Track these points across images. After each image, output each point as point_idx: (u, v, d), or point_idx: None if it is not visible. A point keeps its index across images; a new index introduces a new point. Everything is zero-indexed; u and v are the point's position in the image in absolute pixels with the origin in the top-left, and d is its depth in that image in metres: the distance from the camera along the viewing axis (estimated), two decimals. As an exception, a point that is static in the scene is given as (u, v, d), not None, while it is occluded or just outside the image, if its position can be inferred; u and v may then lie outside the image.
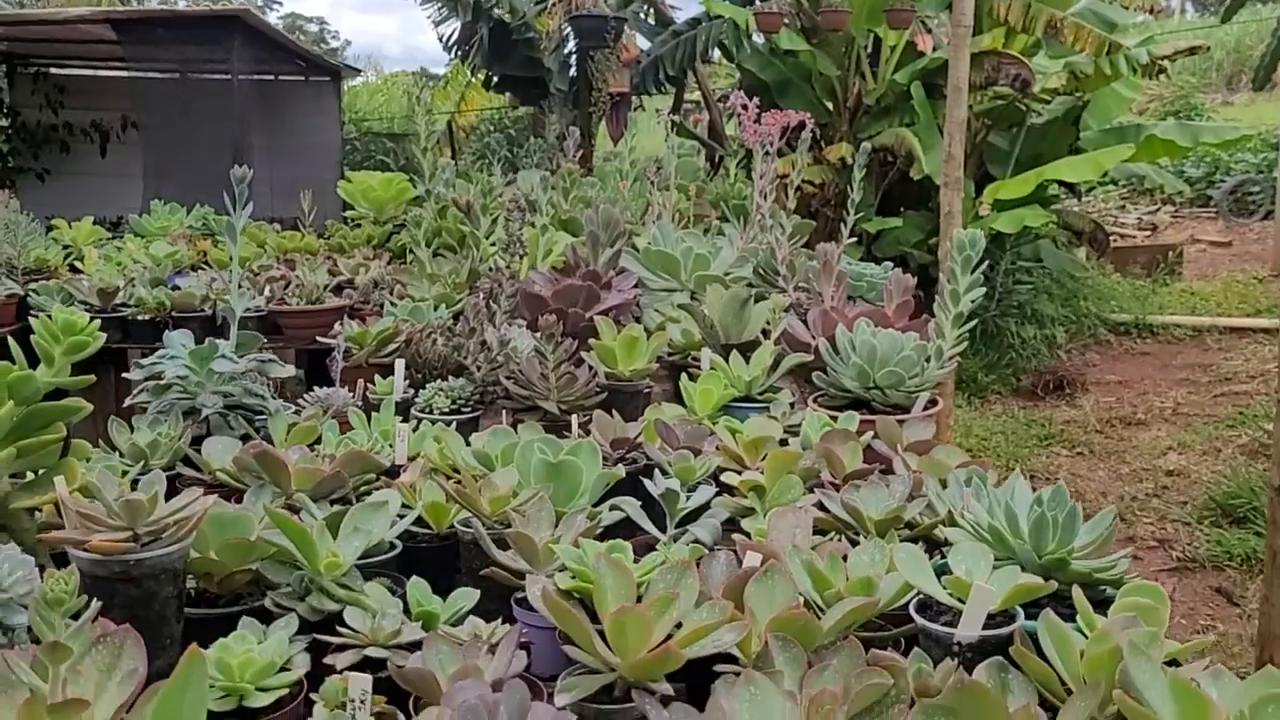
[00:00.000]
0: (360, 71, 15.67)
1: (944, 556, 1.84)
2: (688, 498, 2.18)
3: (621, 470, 2.28)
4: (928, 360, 2.99)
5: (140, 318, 4.65)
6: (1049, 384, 8.01)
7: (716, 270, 4.09)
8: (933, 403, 3.03)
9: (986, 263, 8.79)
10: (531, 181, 6.16)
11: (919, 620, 1.59)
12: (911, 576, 1.62)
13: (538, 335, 2.94)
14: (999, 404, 7.85)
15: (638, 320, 3.92)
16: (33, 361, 1.81)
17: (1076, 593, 1.62)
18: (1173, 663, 1.53)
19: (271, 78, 9.49)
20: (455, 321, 3.46)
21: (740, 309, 3.52)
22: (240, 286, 5.08)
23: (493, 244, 4.62)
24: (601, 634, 1.47)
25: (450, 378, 3.11)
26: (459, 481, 2.17)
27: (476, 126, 14.03)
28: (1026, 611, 1.67)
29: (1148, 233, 14.09)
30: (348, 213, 6.38)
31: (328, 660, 1.60)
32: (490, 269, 3.48)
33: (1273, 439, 3.70)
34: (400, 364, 3.13)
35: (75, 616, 1.30)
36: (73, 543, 1.54)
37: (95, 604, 1.38)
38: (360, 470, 2.26)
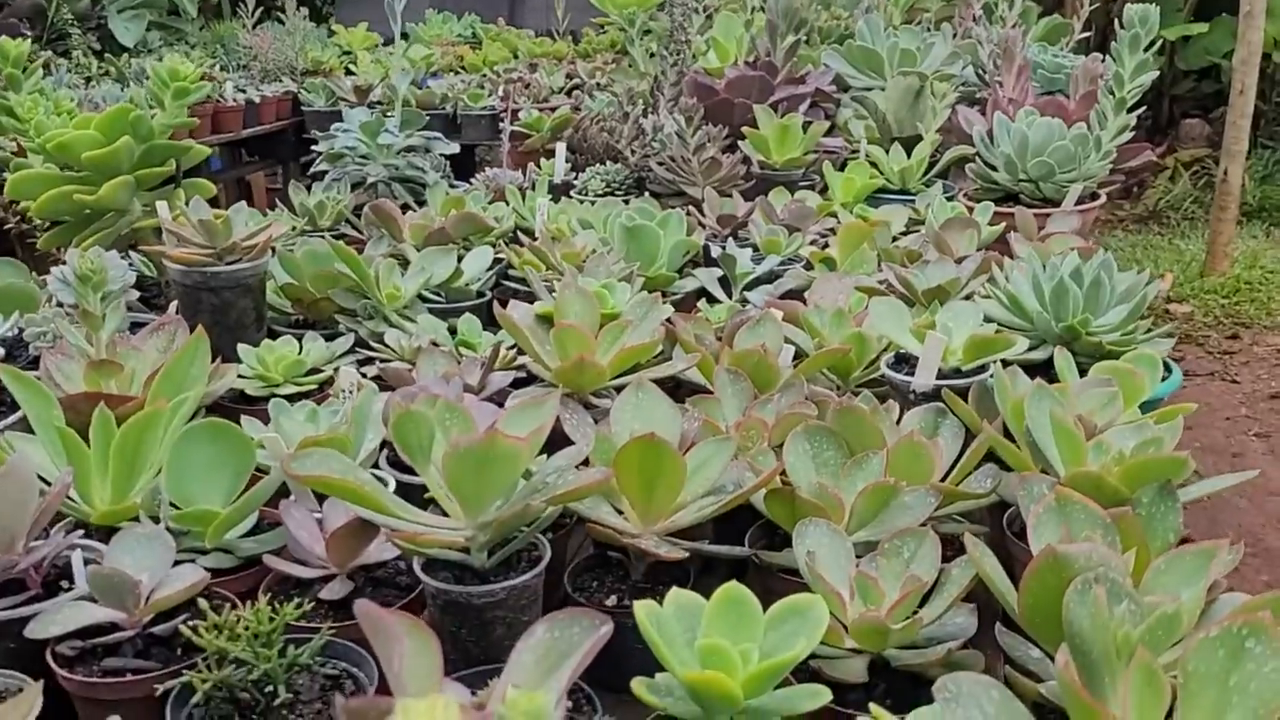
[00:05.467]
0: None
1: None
2: (754, 266, 2.23)
3: (700, 239, 2.36)
4: (1089, 153, 2.79)
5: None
6: (1373, 216, 7.04)
7: (926, 68, 3.92)
8: (1093, 197, 2.85)
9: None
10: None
11: (885, 372, 1.61)
12: (883, 326, 1.63)
13: (678, 117, 3.00)
14: (1306, 235, 7.01)
15: (829, 118, 3.86)
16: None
17: (1057, 354, 1.57)
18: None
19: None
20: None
21: (914, 101, 3.40)
22: (481, 86, 5.38)
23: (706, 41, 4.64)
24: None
25: (609, 163, 3.25)
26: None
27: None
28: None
29: None
30: (596, 19, 6.53)
31: (364, 369, 1.84)
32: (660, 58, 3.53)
33: None
34: (561, 147, 3.29)
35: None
36: (162, 254, 1.85)
37: (174, 305, 1.70)
38: (469, 230, 2.47)
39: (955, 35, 4.25)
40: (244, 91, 5.35)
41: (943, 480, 1.35)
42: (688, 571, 1.27)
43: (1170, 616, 0.85)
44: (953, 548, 1.37)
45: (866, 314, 1.82)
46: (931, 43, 4.14)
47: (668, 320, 1.76)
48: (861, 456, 1.30)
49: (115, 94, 4.59)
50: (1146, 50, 2.66)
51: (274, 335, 2.06)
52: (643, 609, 0.94)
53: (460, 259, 2.30)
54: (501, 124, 3.41)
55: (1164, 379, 1.77)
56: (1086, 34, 4.12)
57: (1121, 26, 2.65)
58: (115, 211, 2.00)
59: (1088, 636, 0.88)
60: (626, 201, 2.88)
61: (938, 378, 1.58)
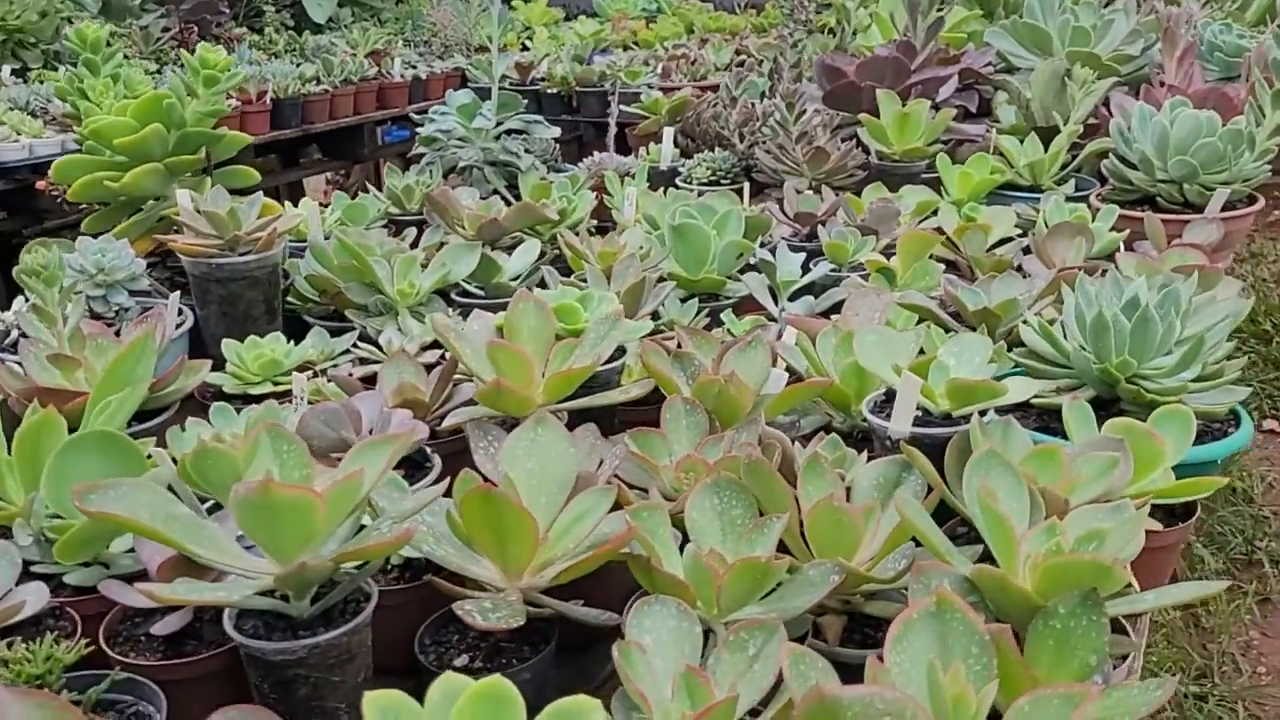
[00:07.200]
0: None
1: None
2: (799, 273, 2.04)
3: (776, 237, 2.20)
4: (1241, 153, 2.41)
5: (549, 90, 5.07)
6: None
7: (1102, 48, 3.54)
8: (1250, 200, 2.47)
9: None
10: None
11: (865, 413, 1.41)
12: (866, 360, 1.43)
13: (779, 102, 2.80)
14: None
15: (985, 101, 3.54)
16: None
17: (1066, 406, 1.33)
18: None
19: None
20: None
21: (1062, 86, 3.05)
22: (647, 63, 5.30)
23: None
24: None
25: (718, 149, 3.09)
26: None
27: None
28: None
29: None
30: (777, -8, 6.29)
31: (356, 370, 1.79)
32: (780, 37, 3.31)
33: None
34: (668, 132, 3.15)
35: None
36: (171, 244, 1.86)
37: (174, 295, 1.69)
38: (527, 222, 2.38)
39: (1138, 10, 3.81)
40: (414, 67, 5.45)
41: (877, 552, 1.15)
42: (554, 629, 1.14)
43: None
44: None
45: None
46: (1110, 19, 3.72)
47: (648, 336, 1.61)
48: (764, 521, 1.12)
49: (285, 70, 4.76)
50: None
51: (304, 327, 2.04)
52: (373, 703, 0.81)
53: (511, 251, 2.24)
54: (610, 105, 3.29)
55: (1229, 435, 1.48)
56: (1301, 8, 3.59)
57: (1286, 4, 2.26)
58: (152, 198, 2.02)
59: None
60: (742, 191, 2.70)
61: (926, 424, 1.37)
